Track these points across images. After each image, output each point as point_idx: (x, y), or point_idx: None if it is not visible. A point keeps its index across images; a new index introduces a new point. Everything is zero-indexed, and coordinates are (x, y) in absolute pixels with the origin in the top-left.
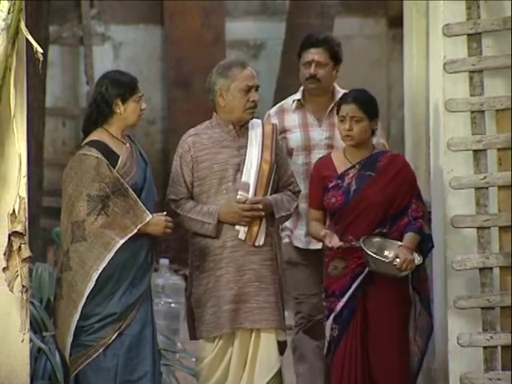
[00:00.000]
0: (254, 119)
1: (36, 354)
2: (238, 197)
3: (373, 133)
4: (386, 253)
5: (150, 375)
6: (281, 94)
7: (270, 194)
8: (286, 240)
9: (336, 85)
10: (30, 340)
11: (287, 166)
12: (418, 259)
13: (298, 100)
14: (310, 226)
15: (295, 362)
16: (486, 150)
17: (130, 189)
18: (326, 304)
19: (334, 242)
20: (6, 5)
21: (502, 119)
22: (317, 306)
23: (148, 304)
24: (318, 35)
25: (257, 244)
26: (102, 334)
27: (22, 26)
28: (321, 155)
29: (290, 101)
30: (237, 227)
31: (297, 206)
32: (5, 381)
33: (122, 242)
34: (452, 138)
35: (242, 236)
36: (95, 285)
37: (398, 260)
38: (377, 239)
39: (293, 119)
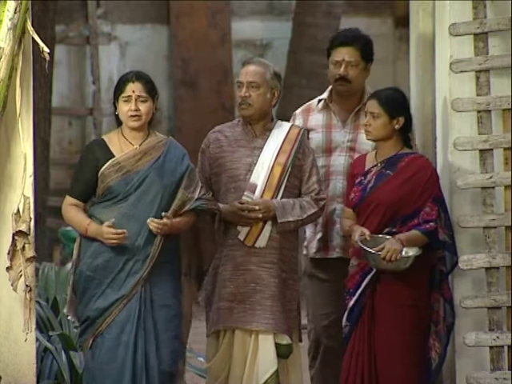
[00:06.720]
0: (284, 122)
1: (42, 354)
2: (243, 197)
3: (402, 131)
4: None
5: (129, 379)
6: (287, 94)
7: (286, 198)
8: (304, 252)
9: (367, 85)
10: (37, 339)
11: (312, 173)
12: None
13: (324, 100)
14: (341, 222)
15: None
16: (492, 149)
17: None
18: (346, 302)
19: (355, 235)
20: (12, 5)
21: (508, 118)
22: (326, 330)
23: (135, 308)
24: (348, 32)
25: (257, 246)
26: (84, 337)
27: (29, 25)
28: (341, 158)
29: (316, 100)
30: (238, 227)
31: (317, 213)
32: (11, 380)
33: None
34: (458, 138)
35: (241, 236)
36: (78, 288)
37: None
38: (376, 236)
39: (317, 119)
